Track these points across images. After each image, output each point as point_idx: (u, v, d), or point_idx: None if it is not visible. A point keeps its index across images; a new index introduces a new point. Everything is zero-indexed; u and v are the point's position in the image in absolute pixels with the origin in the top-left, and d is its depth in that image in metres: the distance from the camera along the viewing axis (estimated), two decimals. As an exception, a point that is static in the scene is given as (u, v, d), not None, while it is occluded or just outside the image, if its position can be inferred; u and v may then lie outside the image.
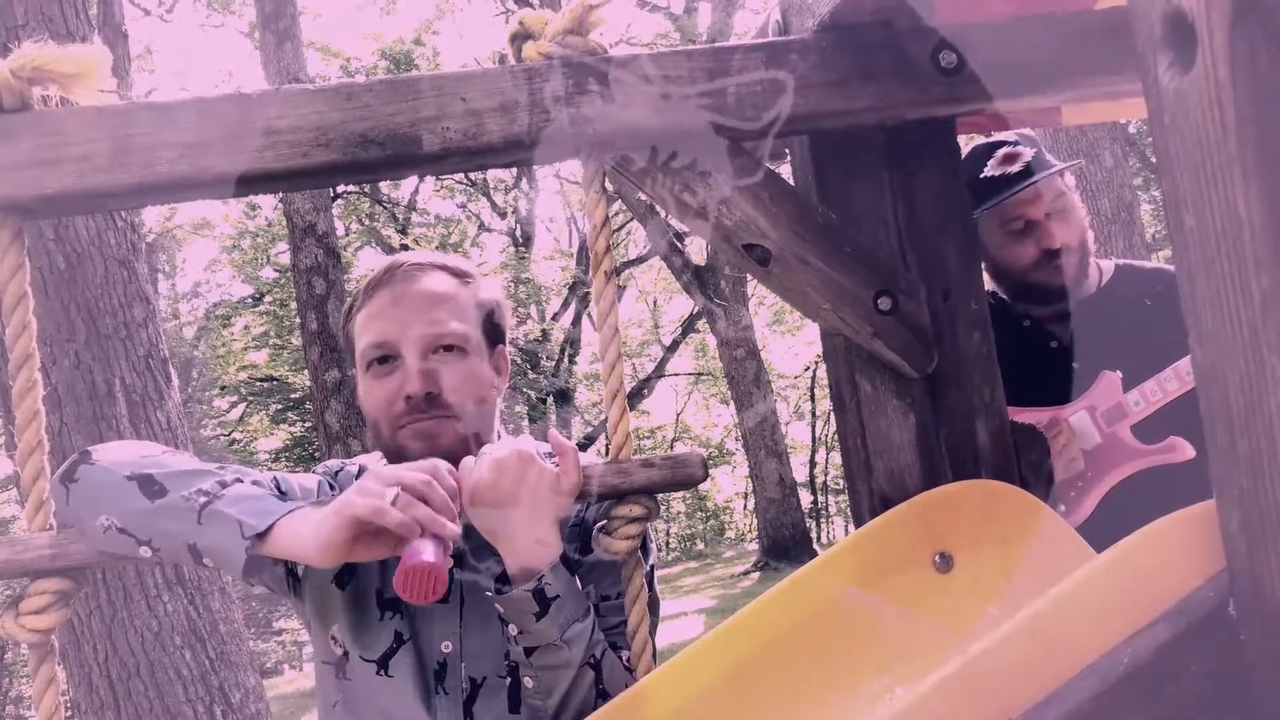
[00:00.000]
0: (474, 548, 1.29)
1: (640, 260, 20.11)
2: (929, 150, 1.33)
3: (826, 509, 24.34)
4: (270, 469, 1.44)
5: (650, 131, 1.22)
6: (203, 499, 1.13)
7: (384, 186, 16.92)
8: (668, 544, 25.34)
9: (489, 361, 1.39)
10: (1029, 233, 2.00)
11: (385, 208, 17.82)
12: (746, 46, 1.24)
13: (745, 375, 13.65)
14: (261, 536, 1.10)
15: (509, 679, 1.32)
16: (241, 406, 19.47)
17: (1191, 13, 0.84)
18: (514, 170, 16.69)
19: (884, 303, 1.26)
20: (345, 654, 1.36)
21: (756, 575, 13.11)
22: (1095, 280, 2.09)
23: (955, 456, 1.30)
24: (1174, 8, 0.86)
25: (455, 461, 1.24)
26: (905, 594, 1.19)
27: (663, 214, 12.31)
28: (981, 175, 1.99)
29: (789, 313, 19.85)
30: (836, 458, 19.83)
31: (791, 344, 23.77)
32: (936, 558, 1.21)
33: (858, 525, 1.30)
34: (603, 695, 1.23)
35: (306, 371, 11.39)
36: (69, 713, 4.43)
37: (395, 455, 1.34)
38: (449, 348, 1.33)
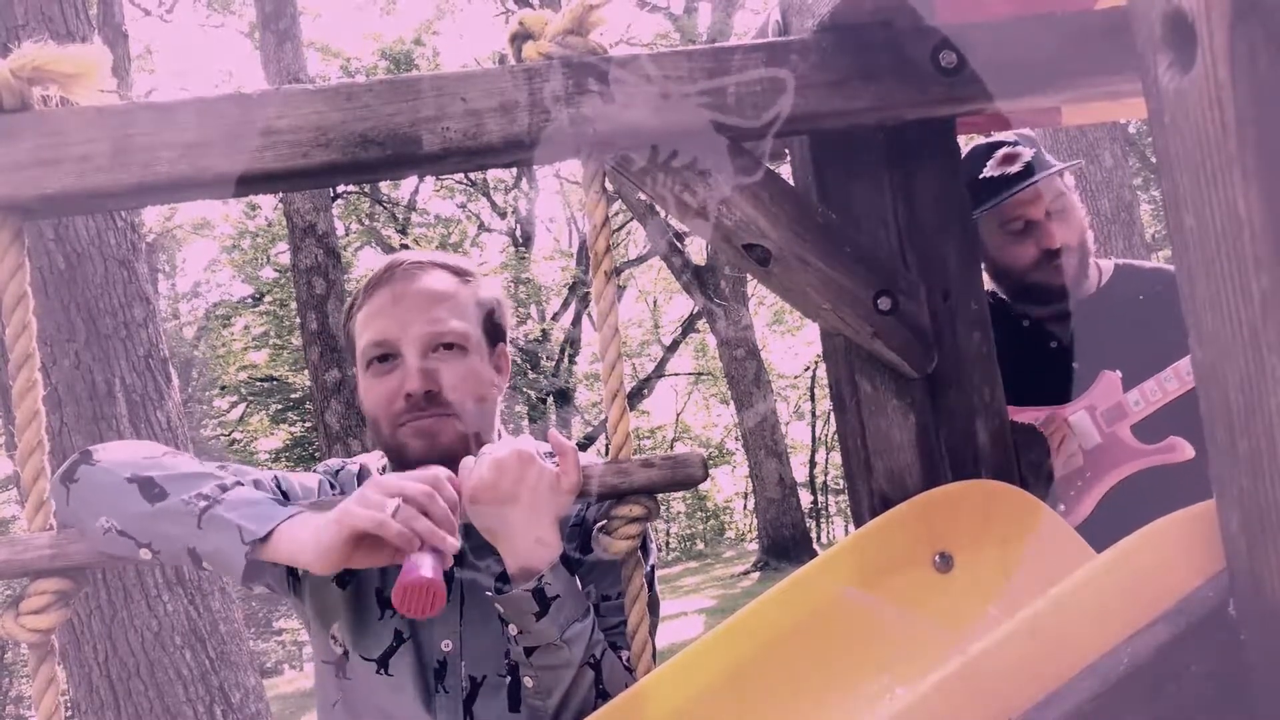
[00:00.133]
0: (474, 546, 1.29)
1: (640, 260, 20.12)
2: (929, 150, 1.33)
3: (826, 509, 24.34)
4: (270, 469, 1.44)
5: (650, 132, 1.22)
6: (203, 503, 1.13)
7: (384, 186, 16.93)
8: (668, 544, 25.33)
9: (489, 360, 1.39)
10: (1029, 233, 1.99)
11: (385, 208, 17.82)
12: (746, 46, 1.24)
13: (745, 375, 13.65)
14: (261, 541, 1.10)
15: (509, 678, 1.32)
16: (241, 406, 19.47)
17: (1191, 13, 0.84)
18: (514, 170, 16.69)
19: (884, 303, 1.26)
20: (345, 653, 1.36)
21: (756, 575, 13.10)
22: (1095, 280, 2.09)
23: (955, 456, 1.30)
24: (1174, 8, 0.86)
25: (455, 460, 1.24)
26: (905, 594, 1.19)
27: (663, 214, 12.32)
28: (981, 176, 1.99)
29: (789, 313, 19.84)
30: (836, 458, 19.84)
31: (791, 344, 23.78)
32: (936, 558, 1.21)
33: (858, 525, 1.30)
34: (602, 695, 1.23)
35: (306, 371, 11.39)
36: (69, 713, 4.44)
37: (395, 453, 1.34)
38: (449, 346, 1.33)
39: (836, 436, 1.48)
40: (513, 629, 1.22)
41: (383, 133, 1.18)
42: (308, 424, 17.30)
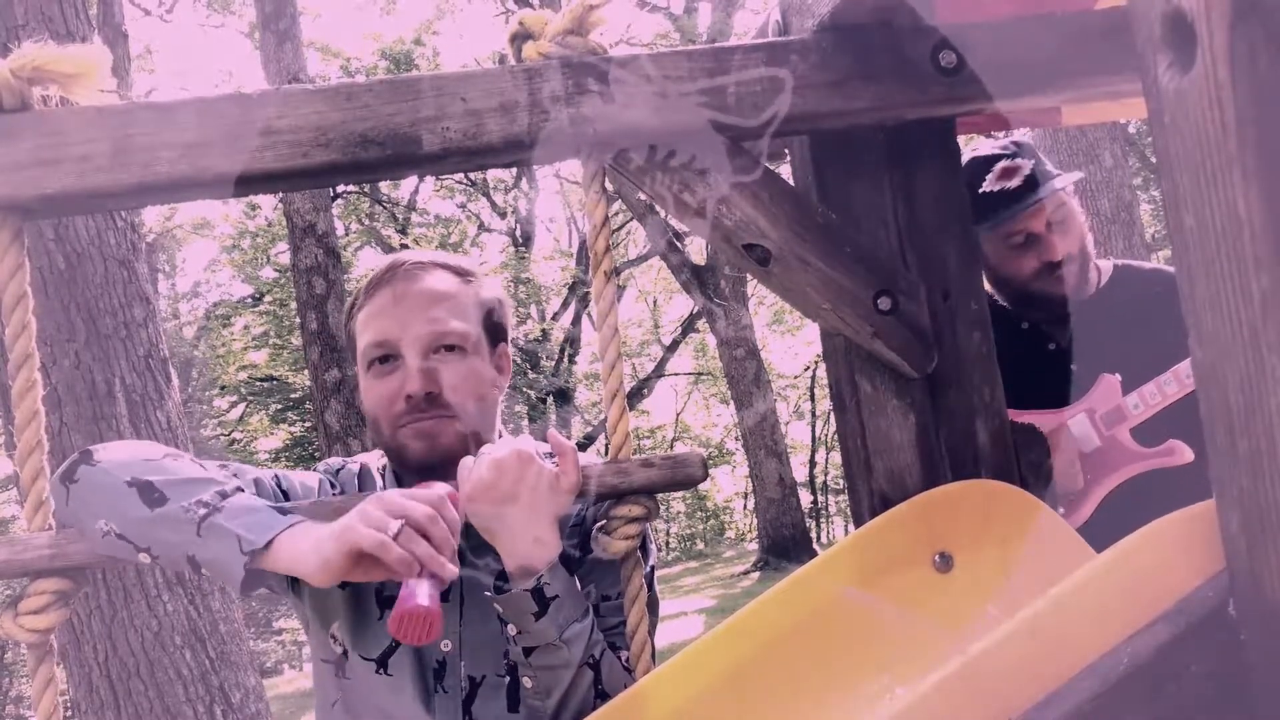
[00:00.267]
0: (473, 545, 1.29)
1: (640, 260, 20.12)
2: (929, 150, 1.33)
3: (826, 509, 24.34)
4: (270, 468, 1.44)
5: (650, 131, 1.22)
6: (202, 510, 1.13)
7: (384, 186, 16.93)
8: (668, 544, 25.33)
9: (490, 360, 1.39)
10: (1030, 245, 1.97)
11: (385, 208, 17.82)
12: (746, 46, 1.24)
13: (745, 375, 13.65)
14: (261, 551, 1.10)
15: (508, 678, 1.32)
16: (241, 406, 19.47)
17: (1191, 13, 0.84)
18: (514, 170, 16.70)
19: (884, 303, 1.26)
20: (344, 653, 1.36)
21: (756, 575, 13.10)
22: (1094, 282, 2.08)
23: (955, 456, 1.30)
24: (1174, 8, 0.86)
25: (455, 461, 1.24)
26: (905, 594, 1.19)
27: (662, 213, 12.32)
28: (981, 190, 1.95)
29: (789, 313, 19.84)
30: (836, 458, 19.83)
31: (791, 344, 23.78)
32: (936, 557, 1.21)
33: (858, 525, 1.30)
34: (602, 695, 1.23)
35: (306, 371, 11.38)
36: (69, 713, 4.43)
37: (395, 454, 1.34)
38: (450, 347, 1.33)
39: (836, 436, 1.48)
40: (512, 629, 1.22)
41: (383, 133, 1.18)
42: (308, 424, 17.29)
